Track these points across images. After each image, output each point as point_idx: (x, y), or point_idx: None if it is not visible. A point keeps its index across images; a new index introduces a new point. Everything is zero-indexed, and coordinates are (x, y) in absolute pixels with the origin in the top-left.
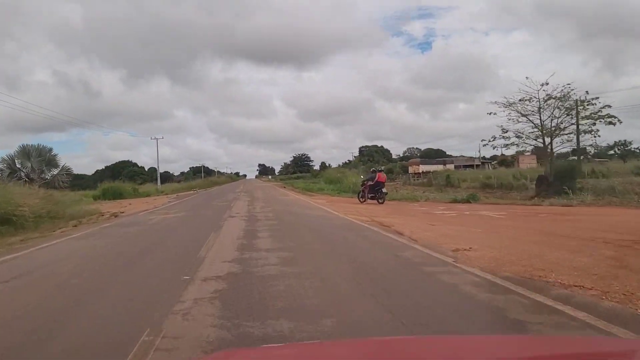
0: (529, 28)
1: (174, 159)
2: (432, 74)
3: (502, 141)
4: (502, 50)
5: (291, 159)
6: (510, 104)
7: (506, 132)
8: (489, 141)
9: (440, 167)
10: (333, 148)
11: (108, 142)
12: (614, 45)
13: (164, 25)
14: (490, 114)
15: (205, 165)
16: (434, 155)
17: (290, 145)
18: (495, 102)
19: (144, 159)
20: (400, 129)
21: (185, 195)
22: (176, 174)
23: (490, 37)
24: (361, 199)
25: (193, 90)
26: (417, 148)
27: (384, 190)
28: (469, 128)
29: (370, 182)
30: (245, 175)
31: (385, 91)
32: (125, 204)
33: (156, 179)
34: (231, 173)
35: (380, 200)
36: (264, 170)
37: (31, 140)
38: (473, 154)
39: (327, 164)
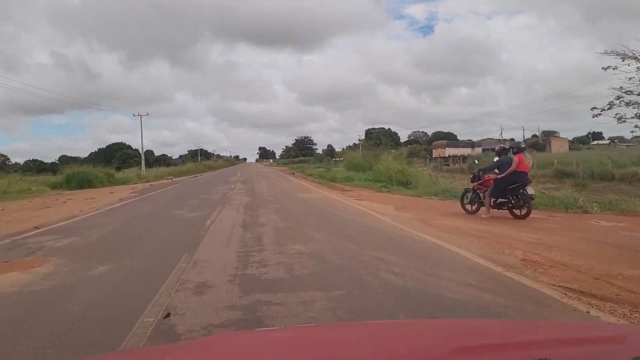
0: (534, 11)
1: (173, 142)
2: (433, 58)
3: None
4: (505, 34)
5: (293, 142)
6: None
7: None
8: (603, 110)
9: (468, 151)
10: (334, 132)
11: (107, 125)
12: (620, 28)
13: (163, 6)
14: (608, 68)
15: (204, 148)
16: (444, 138)
17: (290, 129)
18: (612, 52)
19: (145, 142)
20: (402, 114)
21: (161, 185)
22: (175, 157)
23: (493, 20)
24: (470, 207)
25: (193, 73)
26: (423, 132)
27: (529, 190)
28: (470, 113)
29: (495, 174)
30: (245, 159)
31: (386, 75)
32: (78, 197)
33: (153, 162)
34: (230, 156)
35: (521, 211)
36: (265, 154)
37: (30, 122)
38: (480, 137)
39: (332, 147)
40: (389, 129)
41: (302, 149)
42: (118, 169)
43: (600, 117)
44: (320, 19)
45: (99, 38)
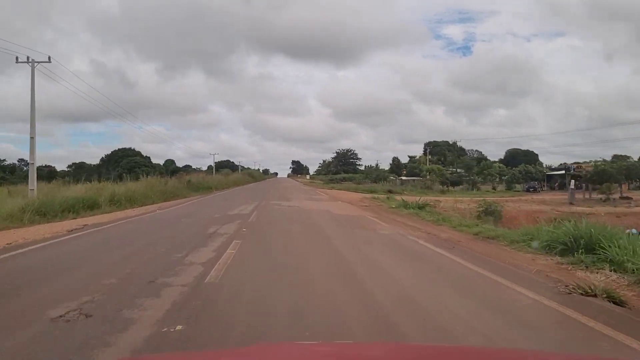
0: (578, 32)
1: (205, 153)
2: (471, 77)
3: None
4: (546, 55)
5: (333, 155)
6: None
7: None
8: None
9: None
10: (366, 149)
11: (142, 135)
12: None
13: (200, 16)
14: None
15: (230, 160)
16: (522, 156)
17: (323, 145)
18: None
19: (179, 153)
20: (436, 132)
21: None
22: (204, 168)
23: (534, 41)
24: None
25: (228, 84)
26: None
27: None
28: (506, 134)
29: None
30: (276, 174)
31: (422, 93)
32: None
33: (171, 172)
34: (257, 169)
35: None
36: (298, 169)
37: (69, 129)
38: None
39: (398, 160)
40: (455, 142)
41: (344, 164)
42: (120, 178)
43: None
44: (357, 34)
45: (136, 47)
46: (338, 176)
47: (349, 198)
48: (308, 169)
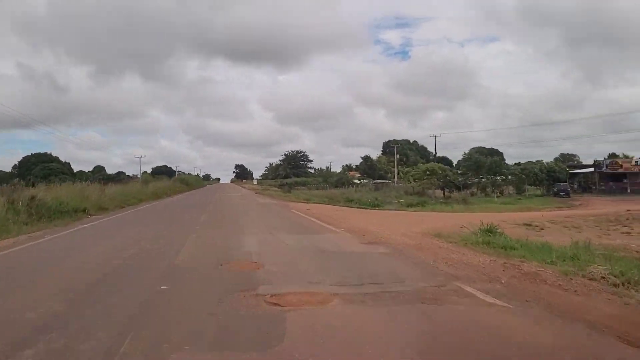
0: (512, 37)
1: (146, 160)
2: (411, 81)
3: None
4: (483, 59)
5: (281, 157)
6: None
7: None
8: None
9: None
10: (311, 153)
11: (76, 142)
12: (598, 55)
13: (134, 17)
14: None
15: (168, 165)
16: (489, 155)
17: (266, 150)
18: None
19: (116, 160)
20: (378, 136)
21: None
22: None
23: (470, 46)
24: None
25: (167, 89)
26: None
27: None
28: (446, 137)
29: None
30: (219, 179)
31: (364, 97)
32: None
33: (87, 178)
34: (196, 175)
35: None
36: (243, 173)
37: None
38: None
39: (329, 168)
40: (415, 141)
41: (293, 167)
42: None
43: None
44: (299, 37)
45: (67, 50)
46: (288, 180)
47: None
48: (252, 174)
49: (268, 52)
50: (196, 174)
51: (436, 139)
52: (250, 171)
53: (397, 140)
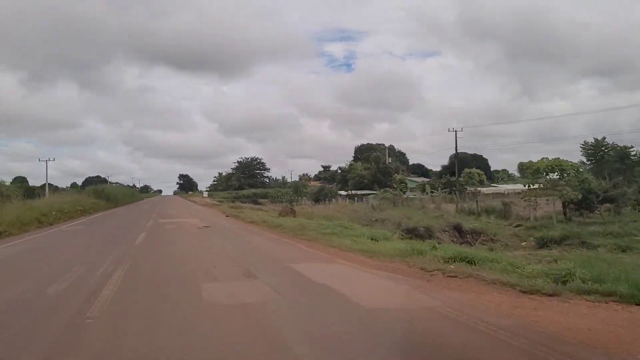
0: (453, 50)
1: (82, 172)
2: (355, 93)
3: None
4: (425, 72)
5: (234, 166)
6: None
7: None
8: None
9: None
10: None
11: (7, 153)
12: (533, 69)
13: (68, 23)
14: None
15: (102, 176)
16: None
17: (210, 161)
18: None
19: (51, 172)
20: (322, 147)
21: None
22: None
23: (412, 59)
24: None
25: (104, 97)
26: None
27: None
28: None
29: None
30: (160, 191)
31: (308, 108)
32: None
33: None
34: (130, 186)
35: None
36: (187, 184)
37: None
38: None
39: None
40: (391, 145)
41: (248, 177)
42: None
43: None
44: (242, 47)
45: None
46: (244, 192)
47: None
48: (197, 185)
49: (212, 60)
50: (132, 184)
51: (457, 134)
52: (195, 182)
53: (371, 144)
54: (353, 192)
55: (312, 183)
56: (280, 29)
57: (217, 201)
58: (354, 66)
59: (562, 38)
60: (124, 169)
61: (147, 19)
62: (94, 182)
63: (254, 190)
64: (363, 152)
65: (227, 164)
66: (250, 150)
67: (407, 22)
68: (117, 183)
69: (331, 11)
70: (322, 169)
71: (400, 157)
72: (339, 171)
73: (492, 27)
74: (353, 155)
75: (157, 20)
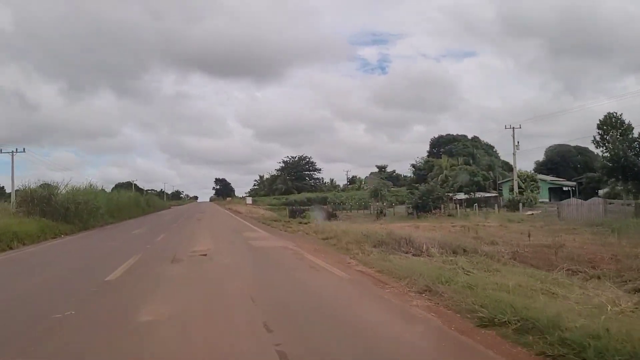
0: (491, 49)
1: (121, 179)
2: (390, 95)
3: None
4: (462, 72)
5: (280, 166)
6: None
7: None
8: None
9: None
10: None
11: (48, 162)
12: (577, 65)
13: (105, 32)
14: None
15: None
16: None
17: (245, 167)
18: None
19: (93, 180)
20: (356, 151)
21: None
22: None
23: (450, 58)
24: None
25: (141, 105)
26: None
27: None
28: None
29: None
30: (196, 197)
31: (343, 111)
32: None
33: None
34: (155, 192)
35: None
36: (224, 189)
37: None
38: None
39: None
40: (475, 137)
41: (296, 179)
42: None
43: None
44: (277, 51)
45: (36, 67)
46: (294, 197)
47: None
48: (234, 191)
49: (246, 65)
50: (162, 190)
51: (514, 131)
52: (232, 187)
53: (452, 135)
54: (458, 195)
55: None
56: (314, 32)
57: (265, 209)
58: (388, 68)
59: (609, 32)
60: (162, 175)
61: (183, 25)
62: (125, 188)
63: (307, 195)
64: (443, 145)
65: (263, 169)
66: (284, 156)
67: (442, 22)
68: (152, 190)
69: (364, 13)
70: (376, 170)
71: (488, 150)
72: (413, 168)
73: (533, 23)
74: (427, 150)
75: (192, 26)
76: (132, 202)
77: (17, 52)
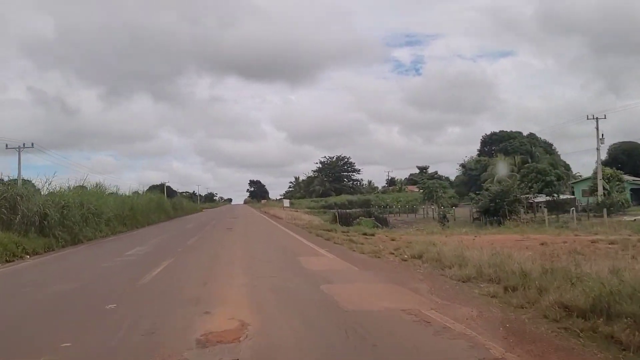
0: (530, 48)
1: (158, 182)
2: (425, 97)
3: None
4: (499, 72)
5: (316, 167)
6: None
7: None
8: None
9: None
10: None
11: (88, 166)
12: (621, 63)
13: (142, 37)
14: None
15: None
16: None
17: (279, 169)
18: None
19: (128, 183)
20: (389, 153)
21: None
22: None
23: (486, 58)
24: None
25: (177, 109)
26: None
27: None
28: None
29: None
30: (230, 200)
31: (377, 114)
32: None
33: None
34: (189, 194)
35: None
36: (258, 191)
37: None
38: None
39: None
40: (531, 133)
41: (334, 180)
42: None
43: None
44: (311, 54)
45: (77, 73)
46: (334, 199)
47: None
48: (268, 193)
49: (280, 69)
50: (193, 193)
51: (598, 122)
52: (266, 190)
53: (505, 131)
54: (539, 198)
55: (409, 188)
56: (347, 34)
57: (306, 213)
58: (422, 69)
59: None
60: (198, 178)
61: (218, 29)
62: (162, 191)
63: (348, 197)
64: (496, 143)
65: (297, 172)
66: (318, 159)
67: (478, 21)
68: (185, 192)
69: (398, 14)
70: (417, 171)
71: (547, 148)
72: (463, 168)
73: (573, 20)
74: (478, 148)
75: (227, 31)
76: (152, 205)
77: (59, 59)
